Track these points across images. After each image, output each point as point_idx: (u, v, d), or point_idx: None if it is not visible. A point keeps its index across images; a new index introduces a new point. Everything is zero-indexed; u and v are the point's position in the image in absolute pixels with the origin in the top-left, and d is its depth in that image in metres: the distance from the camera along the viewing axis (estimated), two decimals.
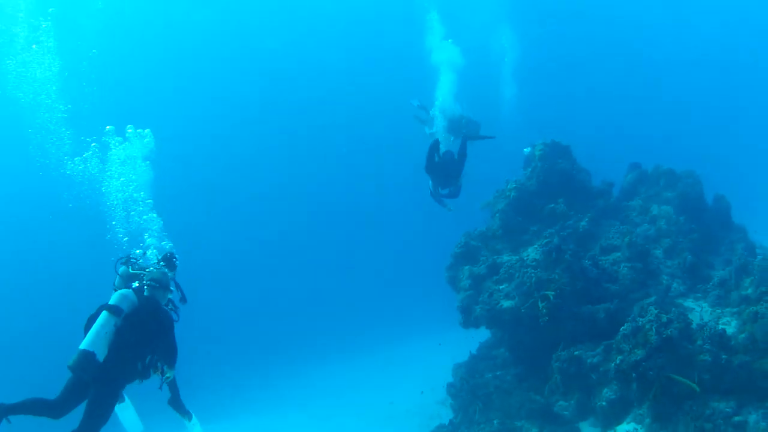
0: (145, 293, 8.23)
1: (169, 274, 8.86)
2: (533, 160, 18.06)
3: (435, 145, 15.29)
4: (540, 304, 12.73)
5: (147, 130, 12.36)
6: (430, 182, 16.26)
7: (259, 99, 50.69)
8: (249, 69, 49.00)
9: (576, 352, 12.27)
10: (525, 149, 18.95)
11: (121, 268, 8.77)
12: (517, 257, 15.07)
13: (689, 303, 13.23)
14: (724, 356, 9.83)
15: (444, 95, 19.25)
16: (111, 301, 7.73)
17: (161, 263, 8.97)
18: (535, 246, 14.99)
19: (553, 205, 16.79)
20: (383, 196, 51.09)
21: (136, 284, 8.35)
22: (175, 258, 9.19)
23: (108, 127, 12.04)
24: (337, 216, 52.44)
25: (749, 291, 11.84)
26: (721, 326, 10.75)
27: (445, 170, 15.77)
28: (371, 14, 39.99)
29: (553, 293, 12.72)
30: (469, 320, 14.86)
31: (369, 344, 31.17)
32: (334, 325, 35.78)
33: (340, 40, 45.13)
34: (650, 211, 16.70)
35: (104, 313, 7.53)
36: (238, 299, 42.54)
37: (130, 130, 12.17)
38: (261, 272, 46.85)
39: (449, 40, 21.41)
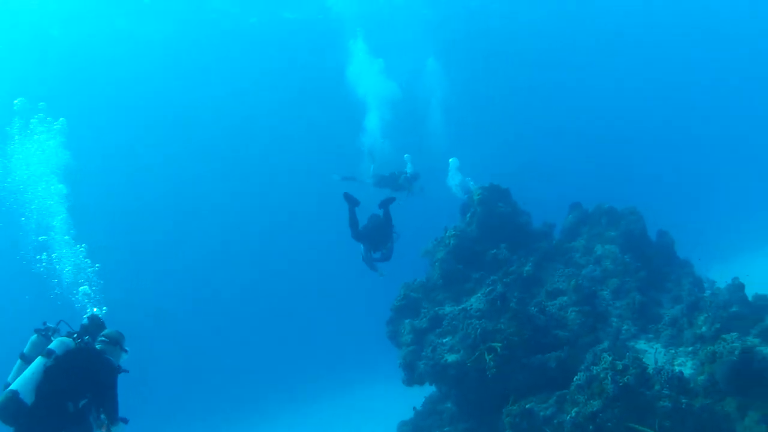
0: (96, 347, 7.50)
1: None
2: (472, 205, 17.50)
3: (352, 214, 15.08)
4: (487, 357, 11.93)
5: None
6: (362, 247, 15.98)
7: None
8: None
9: (527, 405, 11.41)
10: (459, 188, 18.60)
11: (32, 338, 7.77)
12: (460, 308, 14.38)
13: (642, 345, 12.63)
14: (684, 400, 9.16)
15: (373, 139, 18.99)
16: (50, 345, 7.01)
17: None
18: (479, 295, 14.32)
19: (495, 250, 16.18)
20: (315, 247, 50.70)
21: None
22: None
23: None
24: (271, 267, 52.29)
25: (703, 329, 11.31)
26: (677, 368, 10.19)
27: (373, 234, 15.62)
28: (291, 39, 39.27)
29: (500, 344, 11.95)
30: (412, 377, 14.00)
31: (310, 398, 30.70)
32: (275, 380, 35.40)
33: (256, 69, 43.93)
34: (594, 251, 16.21)
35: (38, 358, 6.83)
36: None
37: None
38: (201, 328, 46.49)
39: (380, 60, 21.18)
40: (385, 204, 15.66)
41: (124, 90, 40.85)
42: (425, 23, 33.97)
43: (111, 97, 40.94)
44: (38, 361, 6.77)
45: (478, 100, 45.15)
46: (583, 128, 54.20)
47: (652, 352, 12.02)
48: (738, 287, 12.61)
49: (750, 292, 12.73)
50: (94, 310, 9.01)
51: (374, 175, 20.08)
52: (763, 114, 53.92)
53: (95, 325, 8.08)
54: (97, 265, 10.59)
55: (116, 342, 7.77)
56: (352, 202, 14.99)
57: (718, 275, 16.02)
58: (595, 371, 9.80)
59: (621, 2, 43.47)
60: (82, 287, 9.88)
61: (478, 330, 12.32)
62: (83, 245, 10.83)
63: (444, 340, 13.66)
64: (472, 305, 14.03)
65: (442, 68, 30.09)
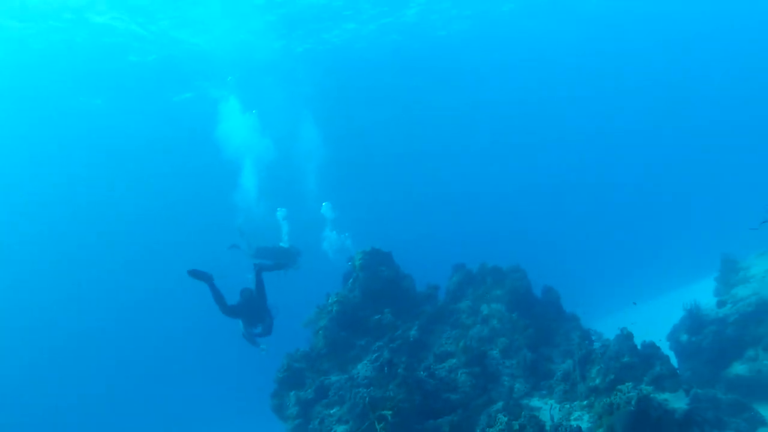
0: None
1: None
2: (354, 270, 16.85)
3: (213, 290, 13.96)
4: (377, 426, 11.09)
5: None
6: (241, 323, 15.09)
7: None
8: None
9: None
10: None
11: None
12: (346, 376, 13.70)
13: (536, 402, 12.18)
14: None
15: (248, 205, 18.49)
16: None
17: None
18: (365, 362, 13.69)
19: (379, 316, 15.53)
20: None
21: None
22: None
23: None
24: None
25: (597, 381, 10.96)
26: (574, 423, 9.78)
27: (247, 309, 14.73)
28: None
29: (390, 412, 11.14)
30: None
31: None
32: None
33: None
34: (481, 311, 15.81)
35: None
36: None
37: None
38: None
39: (254, 112, 20.73)
40: (258, 272, 14.68)
41: None
42: (299, 78, 33.75)
43: None
44: None
45: (354, 157, 45.21)
46: (463, 185, 55.16)
47: (547, 409, 11.56)
48: (627, 337, 12.39)
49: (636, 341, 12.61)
50: None
51: (255, 246, 19.97)
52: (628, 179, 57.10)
53: None
54: None
55: None
56: (203, 277, 13.80)
57: (604, 327, 16.01)
58: None
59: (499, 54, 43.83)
60: None
61: (367, 398, 11.53)
62: None
63: (332, 411, 12.99)
64: (359, 373, 13.32)
65: (316, 123, 30.01)
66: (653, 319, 20.39)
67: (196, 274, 13.55)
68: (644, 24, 40.93)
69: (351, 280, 16.96)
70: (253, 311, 14.88)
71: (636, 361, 11.74)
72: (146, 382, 51.18)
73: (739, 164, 58.99)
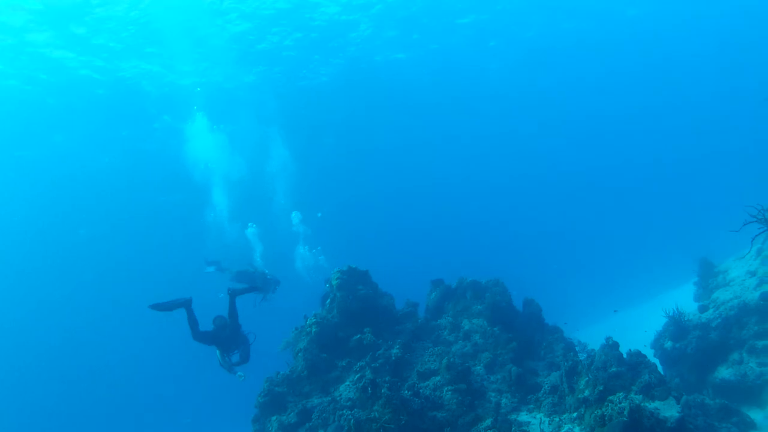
0: None
1: None
2: (331, 290, 16.51)
3: (191, 317, 13.51)
4: None
5: None
6: (218, 351, 14.39)
7: None
8: None
9: None
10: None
11: None
12: (329, 398, 13.31)
13: (524, 416, 11.89)
14: None
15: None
16: None
17: None
18: (347, 383, 13.34)
19: (359, 335, 15.17)
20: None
21: None
22: None
23: None
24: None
25: (586, 393, 10.68)
26: None
27: (221, 336, 14.07)
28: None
29: None
30: None
31: None
32: None
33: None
34: (462, 327, 15.57)
35: None
36: None
37: None
38: None
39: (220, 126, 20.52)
40: (232, 297, 14.16)
41: None
42: (266, 98, 33.55)
43: None
44: None
45: (325, 174, 44.96)
46: (440, 197, 54.95)
47: (537, 423, 11.29)
48: (612, 346, 12.25)
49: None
50: None
51: (236, 270, 19.88)
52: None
53: None
54: None
55: None
56: (166, 307, 13.32)
57: (587, 336, 15.86)
58: None
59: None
60: None
61: (351, 420, 11.14)
62: None
63: None
64: (341, 395, 12.96)
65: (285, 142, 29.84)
66: (635, 327, 20.30)
67: (160, 306, 13.11)
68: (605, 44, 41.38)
69: (329, 301, 16.62)
70: (227, 338, 14.40)
71: (623, 370, 11.58)
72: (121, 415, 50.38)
73: (713, 168, 59.68)
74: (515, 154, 55.66)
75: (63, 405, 52.25)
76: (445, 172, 54.45)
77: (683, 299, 18.78)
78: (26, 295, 51.30)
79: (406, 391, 12.29)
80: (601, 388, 10.44)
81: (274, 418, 13.86)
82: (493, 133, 51.16)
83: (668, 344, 15.35)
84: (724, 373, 13.91)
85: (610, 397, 9.64)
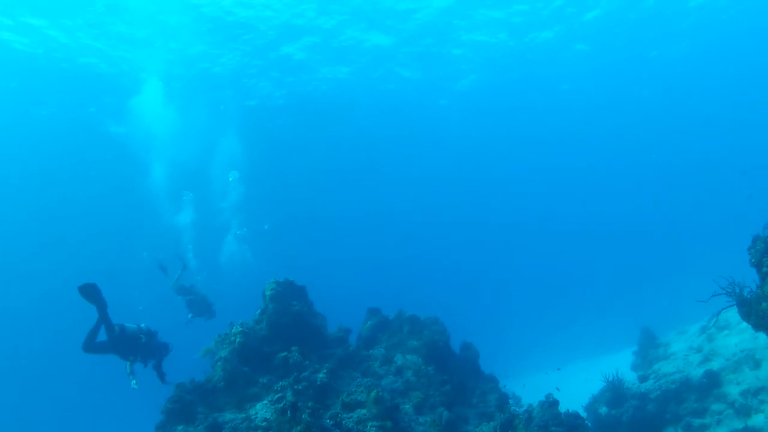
0: None
1: None
2: (263, 300, 15.49)
3: (99, 322, 12.74)
4: None
5: None
6: (127, 364, 13.47)
7: None
8: None
9: None
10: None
11: None
12: (243, 415, 12.28)
13: None
14: None
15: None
16: None
17: None
18: (265, 402, 12.40)
19: (285, 353, 14.17)
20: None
21: None
22: None
23: None
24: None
25: None
26: None
27: (122, 345, 13.45)
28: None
29: None
30: None
31: None
32: None
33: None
34: (395, 361, 14.78)
35: None
36: None
37: None
38: None
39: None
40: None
41: None
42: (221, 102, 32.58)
43: None
44: None
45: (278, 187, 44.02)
46: (388, 227, 54.19)
47: None
48: (552, 404, 11.62)
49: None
50: None
51: (176, 284, 20.02)
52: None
53: None
54: None
55: None
56: (96, 300, 12.40)
57: (517, 387, 15.32)
58: None
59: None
60: None
61: None
62: None
63: None
64: (257, 413, 11.99)
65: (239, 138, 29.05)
66: (567, 385, 19.84)
67: (87, 292, 12.10)
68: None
69: (259, 311, 15.59)
70: (127, 347, 13.43)
71: (561, 431, 10.94)
72: None
73: (663, 235, 60.57)
74: (478, 189, 55.18)
75: None
76: (401, 204, 53.76)
77: (622, 365, 18.40)
78: None
79: (328, 420, 11.43)
80: None
81: (180, 428, 12.70)
82: (448, 167, 50.73)
83: (603, 410, 14.87)
84: None
85: None
